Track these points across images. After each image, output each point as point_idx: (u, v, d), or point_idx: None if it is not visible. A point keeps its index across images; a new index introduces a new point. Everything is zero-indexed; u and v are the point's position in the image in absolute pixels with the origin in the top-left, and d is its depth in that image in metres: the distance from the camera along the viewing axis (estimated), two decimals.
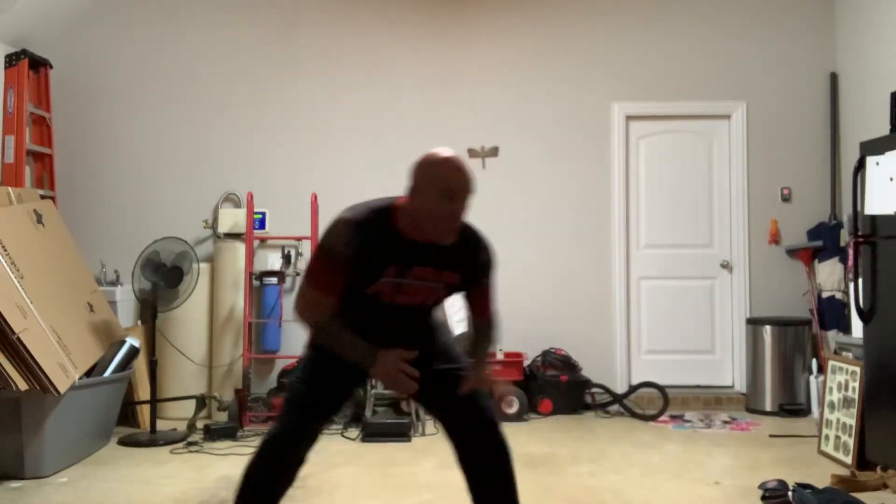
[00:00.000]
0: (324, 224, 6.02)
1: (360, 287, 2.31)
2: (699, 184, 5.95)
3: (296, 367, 2.68)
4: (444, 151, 2.33)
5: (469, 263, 2.40)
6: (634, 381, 5.72)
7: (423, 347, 2.42)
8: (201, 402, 4.99)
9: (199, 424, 4.91)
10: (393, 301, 2.35)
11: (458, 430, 2.50)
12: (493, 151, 5.90)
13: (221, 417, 5.13)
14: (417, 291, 2.36)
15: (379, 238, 2.27)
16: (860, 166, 4.07)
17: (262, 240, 5.79)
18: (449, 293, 2.44)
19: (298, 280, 5.74)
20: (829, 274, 5.58)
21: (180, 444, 4.63)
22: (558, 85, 5.91)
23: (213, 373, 5.45)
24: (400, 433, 4.77)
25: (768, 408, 5.45)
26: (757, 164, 5.86)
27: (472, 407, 2.45)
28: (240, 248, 5.53)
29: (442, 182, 2.24)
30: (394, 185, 6.39)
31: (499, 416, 2.67)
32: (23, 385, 3.79)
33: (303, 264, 5.70)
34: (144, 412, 5.02)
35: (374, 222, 2.28)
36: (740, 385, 5.79)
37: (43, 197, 5.09)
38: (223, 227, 5.67)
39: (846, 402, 4.20)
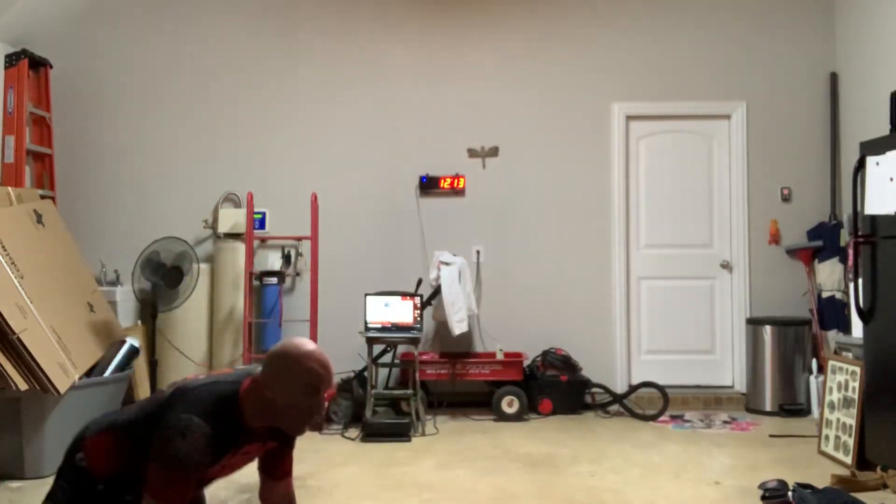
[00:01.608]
0: (326, 224, 6.01)
1: (204, 481, 2.30)
2: (699, 184, 5.95)
3: None
4: (307, 344, 2.22)
5: (284, 433, 2.32)
6: (634, 381, 5.72)
7: None
8: None
9: None
10: (210, 481, 2.34)
11: None
12: (493, 151, 5.90)
13: None
14: (235, 464, 2.32)
15: (228, 438, 2.16)
16: (860, 166, 4.07)
17: (262, 240, 5.79)
18: (258, 457, 2.39)
19: (298, 281, 5.75)
20: (829, 274, 5.58)
21: None
22: (558, 85, 5.91)
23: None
24: (400, 433, 4.77)
25: (768, 408, 5.45)
26: (757, 164, 5.86)
27: None
28: (240, 248, 5.53)
29: (306, 377, 2.16)
30: (394, 184, 6.41)
31: None
32: (23, 385, 3.79)
33: (303, 264, 5.71)
34: None
35: (224, 424, 2.13)
36: (740, 385, 5.79)
37: (43, 197, 5.08)
38: (223, 227, 5.67)
39: (846, 402, 4.20)
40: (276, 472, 2.42)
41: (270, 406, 2.16)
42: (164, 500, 2.06)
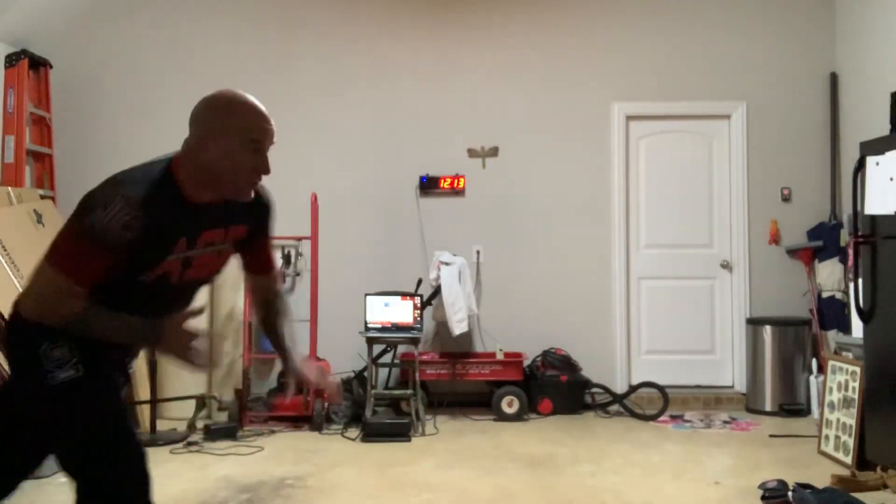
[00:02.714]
0: (326, 224, 5.99)
1: (133, 274, 1.88)
2: (699, 184, 5.95)
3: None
4: (241, 93, 1.91)
5: (253, 211, 2.07)
6: (634, 381, 5.72)
7: None
8: (201, 402, 4.99)
9: (199, 424, 4.92)
10: (180, 281, 1.99)
11: None
12: (493, 151, 5.90)
13: (221, 417, 5.14)
14: (206, 261, 2.03)
15: (165, 213, 1.84)
16: (860, 166, 4.07)
17: None
18: (233, 253, 2.13)
19: (298, 281, 5.75)
20: (829, 274, 5.58)
21: (180, 444, 4.63)
22: (558, 85, 5.91)
23: (213, 373, 5.45)
24: (400, 433, 4.77)
25: (768, 408, 5.45)
26: (757, 164, 5.86)
27: None
28: None
29: (248, 131, 1.87)
30: (394, 184, 6.40)
31: (336, 401, 2.31)
32: None
33: (303, 264, 5.70)
34: (144, 412, 5.02)
35: (159, 195, 1.84)
36: (740, 385, 5.79)
37: (43, 197, 5.09)
38: None
39: (846, 402, 4.20)
40: (258, 267, 2.22)
41: (209, 171, 1.87)
42: (59, 268, 1.79)
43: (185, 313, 1.90)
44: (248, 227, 2.09)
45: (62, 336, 1.85)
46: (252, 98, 1.91)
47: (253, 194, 1.98)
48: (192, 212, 1.91)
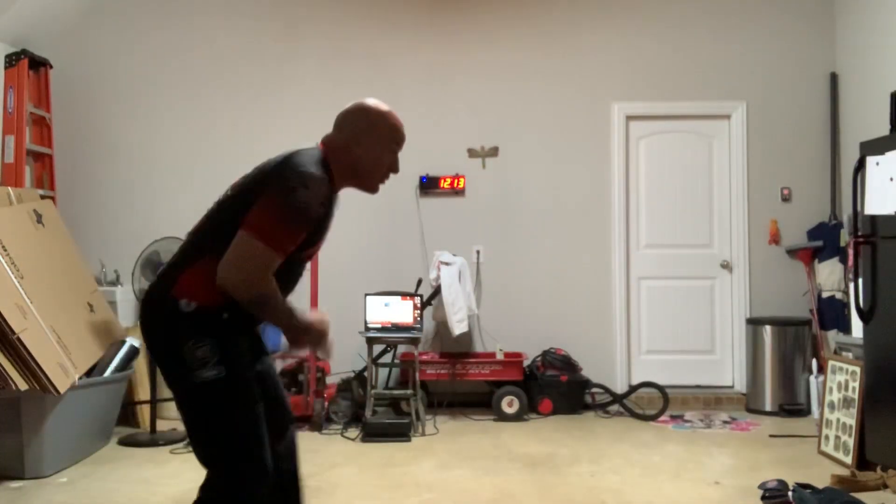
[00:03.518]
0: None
1: (299, 251, 2.09)
2: (699, 184, 5.95)
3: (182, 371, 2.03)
4: (382, 103, 2.28)
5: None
6: (634, 381, 5.72)
7: None
8: None
9: None
10: (304, 260, 2.24)
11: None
12: (493, 151, 5.90)
13: None
14: (320, 242, 2.28)
15: (330, 198, 2.17)
16: (860, 166, 4.07)
17: None
18: None
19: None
20: (829, 274, 5.58)
21: (180, 444, 4.63)
22: (558, 85, 5.91)
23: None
24: (400, 433, 4.77)
25: (768, 408, 5.45)
26: (757, 164, 5.86)
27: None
28: None
29: (396, 132, 2.23)
30: (394, 184, 6.40)
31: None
32: (23, 385, 3.79)
33: None
34: (144, 412, 5.02)
35: (329, 187, 2.13)
36: (740, 385, 5.79)
37: (43, 197, 5.08)
38: None
39: (846, 402, 4.20)
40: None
41: (358, 163, 2.20)
42: (270, 244, 1.94)
43: (325, 315, 2.16)
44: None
45: (204, 334, 1.99)
46: (390, 112, 2.27)
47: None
48: (334, 197, 2.21)
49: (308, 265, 2.34)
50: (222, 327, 2.03)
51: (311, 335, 2.08)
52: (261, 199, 1.97)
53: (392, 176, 2.38)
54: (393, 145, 2.23)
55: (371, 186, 2.28)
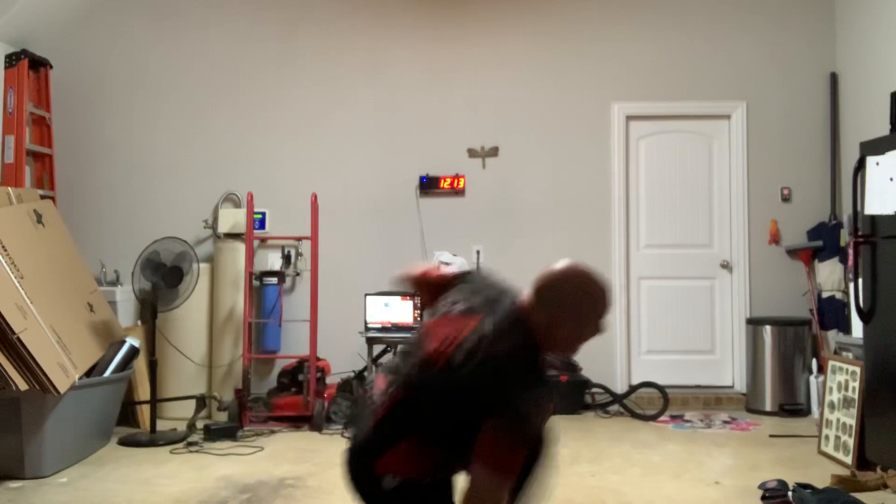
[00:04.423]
0: (326, 224, 5.98)
1: None
2: (699, 184, 5.95)
3: None
4: (600, 278, 2.16)
5: None
6: (634, 381, 5.72)
7: None
8: (201, 402, 4.99)
9: (199, 424, 4.91)
10: None
11: None
12: (493, 151, 5.90)
13: (221, 417, 5.14)
14: None
15: None
16: (860, 166, 4.07)
17: (262, 240, 5.79)
18: None
19: (298, 281, 5.74)
20: (829, 274, 5.58)
21: (180, 444, 4.63)
22: (558, 85, 5.91)
23: (213, 373, 5.45)
24: None
25: (768, 408, 5.44)
26: (757, 164, 5.86)
27: None
28: (240, 248, 5.53)
29: (599, 321, 2.14)
30: (394, 184, 6.40)
31: None
32: (23, 385, 3.79)
33: (303, 264, 5.70)
34: (144, 412, 5.02)
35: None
36: (740, 385, 5.79)
37: (43, 197, 5.08)
38: (223, 227, 5.67)
39: (846, 402, 4.20)
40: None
41: (565, 341, 2.14)
42: (507, 472, 1.97)
43: None
44: None
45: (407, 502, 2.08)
46: (602, 280, 2.15)
47: None
48: None
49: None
50: (424, 492, 2.11)
51: None
52: (491, 425, 1.96)
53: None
54: (597, 329, 2.13)
55: (566, 356, 2.30)
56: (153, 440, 4.68)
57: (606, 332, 2.21)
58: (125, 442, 4.69)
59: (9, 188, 4.56)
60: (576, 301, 2.10)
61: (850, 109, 5.67)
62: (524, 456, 2.01)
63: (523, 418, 1.97)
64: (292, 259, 5.70)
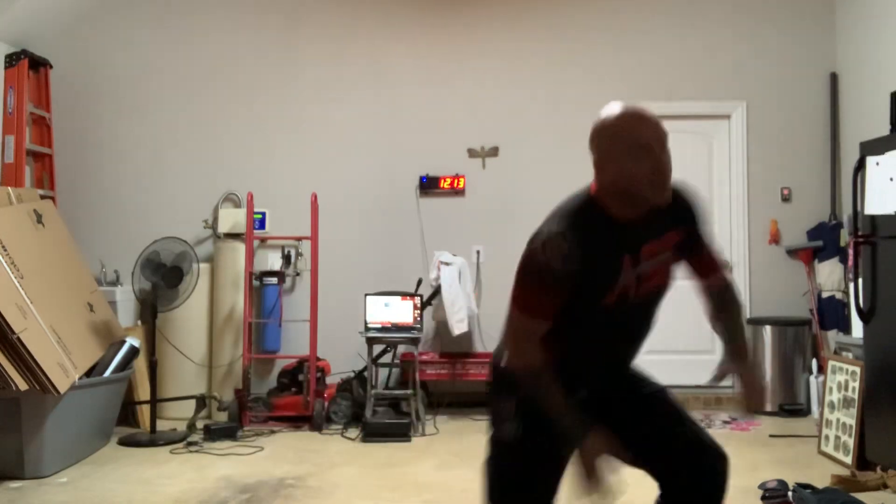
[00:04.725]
0: (326, 224, 5.99)
1: (591, 303, 2.03)
2: (699, 184, 5.90)
3: (499, 426, 2.13)
4: (615, 107, 2.07)
5: (682, 214, 2.16)
6: None
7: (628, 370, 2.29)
8: (201, 402, 4.99)
9: (199, 424, 4.92)
10: (637, 295, 2.09)
11: (671, 474, 2.31)
12: (493, 151, 5.90)
13: (221, 417, 5.14)
14: (656, 273, 2.10)
15: (598, 237, 1.98)
16: (860, 166, 4.07)
17: (262, 240, 5.79)
18: (677, 260, 2.19)
19: (298, 281, 5.75)
20: (829, 274, 5.58)
21: (180, 444, 4.63)
22: (558, 85, 5.91)
23: (213, 373, 5.45)
24: (400, 433, 4.77)
25: (768, 408, 5.44)
26: (757, 164, 5.86)
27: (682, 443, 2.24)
28: (240, 248, 5.53)
29: (626, 140, 1.98)
30: (394, 184, 6.40)
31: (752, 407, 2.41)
32: (23, 385, 3.79)
33: (303, 264, 5.70)
34: (144, 412, 5.02)
35: (587, 223, 2.00)
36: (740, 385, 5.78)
37: (43, 197, 5.09)
38: (223, 227, 5.67)
39: (846, 402, 4.20)
40: (703, 269, 2.29)
41: (614, 190, 2.00)
42: (518, 308, 2.03)
43: (609, 439, 2.03)
44: (682, 232, 2.14)
45: (515, 390, 2.01)
46: (626, 107, 2.06)
47: (672, 196, 2.05)
48: (624, 229, 2.00)
49: (643, 307, 2.25)
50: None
51: (582, 451, 1.99)
52: (517, 274, 2.07)
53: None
54: (634, 152, 1.96)
55: (646, 202, 1.99)
56: (153, 440, 4.68)
57: (668, 159, 1.99)
58: (125, 442, 4.69)
59: (9, 188, 4.56)
60: (598, 141, 2.06)
61: (850, 109, 5.67)
62: (548, 297, 1.99)
63: (529, 257, 2.02)
64: (292, 259, 5.70)
